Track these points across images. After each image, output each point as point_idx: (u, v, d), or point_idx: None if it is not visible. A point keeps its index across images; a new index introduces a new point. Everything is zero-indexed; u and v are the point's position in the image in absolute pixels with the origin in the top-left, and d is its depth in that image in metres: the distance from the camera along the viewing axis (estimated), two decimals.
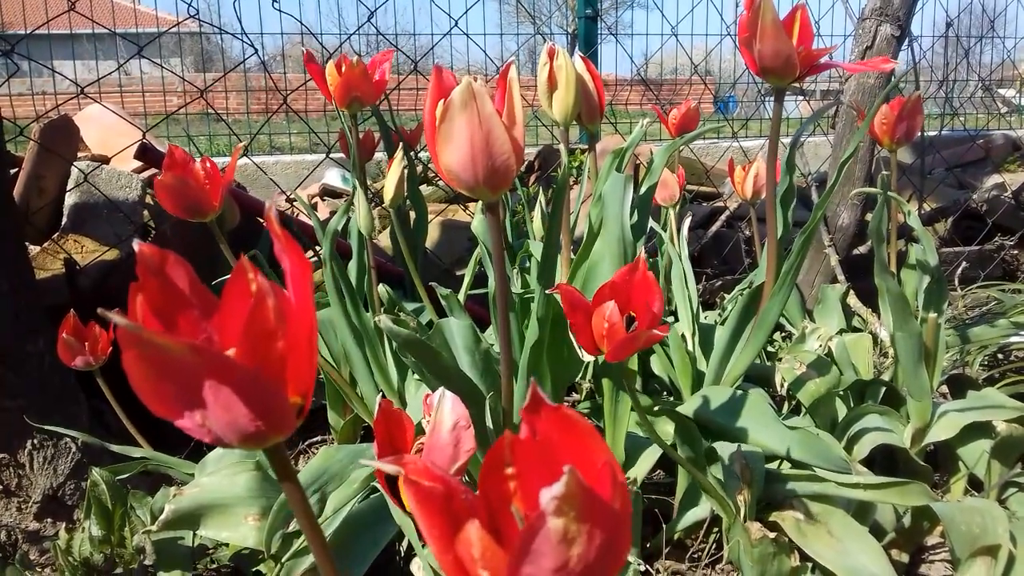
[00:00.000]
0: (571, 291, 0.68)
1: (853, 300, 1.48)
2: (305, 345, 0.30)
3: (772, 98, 0.94)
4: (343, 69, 1.15)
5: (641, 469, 0.92)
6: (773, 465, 0.92)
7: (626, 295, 0.67)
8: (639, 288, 0.67)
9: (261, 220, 1.58)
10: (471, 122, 0.56)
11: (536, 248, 1.16)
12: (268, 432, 0.30)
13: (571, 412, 0.28)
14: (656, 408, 0.98)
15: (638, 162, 2.02)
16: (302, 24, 1.87)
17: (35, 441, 1.07)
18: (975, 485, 1.03)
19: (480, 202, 1.17)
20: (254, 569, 0.89)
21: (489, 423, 0.76)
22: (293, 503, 0.34)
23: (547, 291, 0.75)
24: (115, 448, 1.01)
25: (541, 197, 1.41)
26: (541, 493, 0.24)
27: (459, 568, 0.28)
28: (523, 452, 0.29)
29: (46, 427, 1.03)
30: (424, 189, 2.16)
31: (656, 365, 1.15)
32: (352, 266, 1.29)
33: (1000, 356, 1.36)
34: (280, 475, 0.33)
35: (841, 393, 1.08)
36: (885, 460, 1.04)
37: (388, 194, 1.16)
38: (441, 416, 0.57)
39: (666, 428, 0.96)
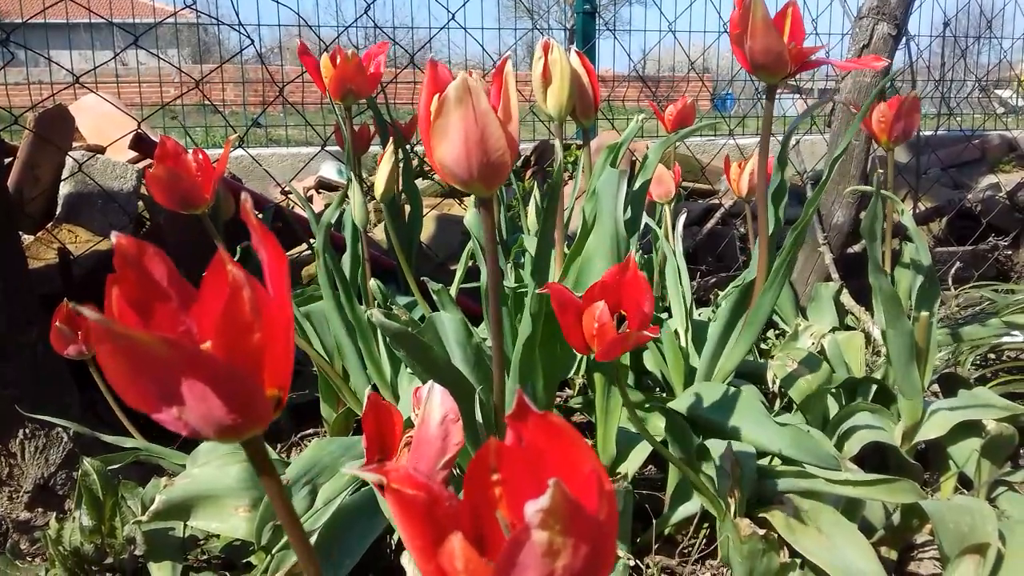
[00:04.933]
0: (562, 290, 0.68)
1: (846, 298, 1.48)
2: (282, 337, 0.30)
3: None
4: (337, 61, 1.15)
5: (632, 464, 0.92)
6: (764, 462, 0.92)
7: (616, 294, 0.67)
8: (630, 287, 0.67)
9: (257, 212, 1.58)
10: (466, 118, 0.56)
11: (530, 243, 1.16)
12: (244, 425, 0.30)
13: (557, 419, 0.28)
14: (647, 404, 0.98)
15: (634, 158, 2.02)
16: (299, 16, 1.87)
17: (27, 430, 1.07)
18: (965, 484, 1.04)
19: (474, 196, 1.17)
20: (244, 560, 0.90)
21: (479, 417, 0.77)
22: (272, 496, 0.34)
23: (538, 290, 0.75)
24: (107, 438, 1.01)
25: (536, 192, 1.41)
26: (526, 506, 0.24)
27: None
28: (509, 458, 0.29)
29: (38, 416, 1.02)
30: (420, 183, 2.15)
31: (649, 361, 1.16)
32: (346, 259, 1.29)
33: (992, 356, 1.36)
34: (258, 468, 0.33)
35: (833, 391, 1.08)
36: (875, 458, 1.04)
37: (379, 188, 1.16)
38: (430, 409, 0.56)
39: (658, 424, 0.96)
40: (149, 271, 0.30)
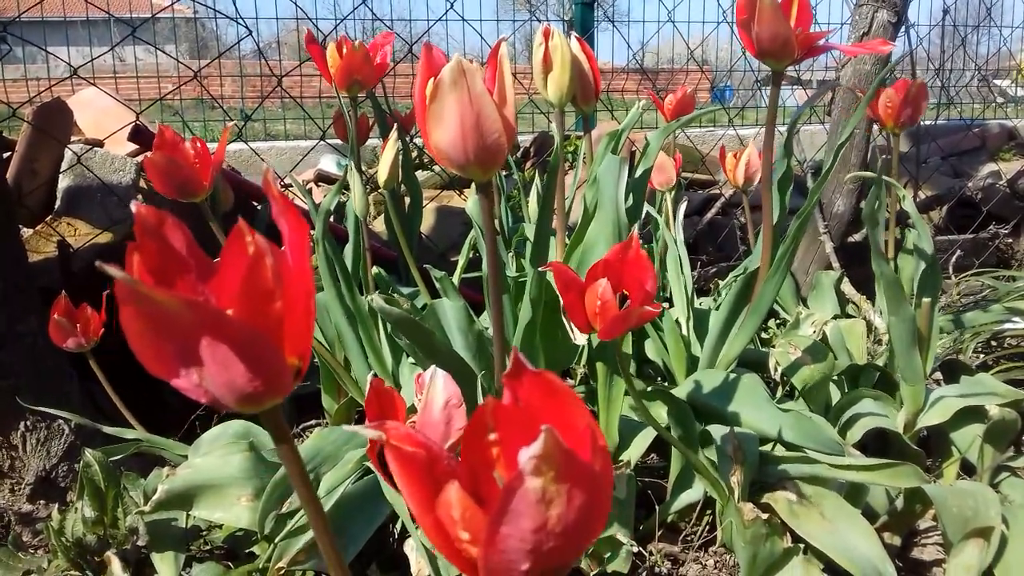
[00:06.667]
0: (564, 269, 0.68)
1: (847, 287, 1.48)
2: (302, 306, 0.30)
3: (769, 87, 0.94)
4: (344, 52, 1.14)
5: (635, 452, 0.92)
6: (766, 447, 0.92)
7: (619, 273, 0.67)
8: (632, 266, 0.67)
9: (256, 204, 1.57)
10: (461, 101, 0.56)
11: (531, 231, 1.16)
12: (266, 392, 0.30)
13: (552, 377, 0.28)
14: (650, 391, 0.98)
15: (634, 148, 2.02)
16: (298, 7, 1.86)
17: (28, 423, 1.06)
18: (967, 470, 1.04)
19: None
20: (248, 550, 0.89)
21: (481, 402, 0.76)
22: (289, 466, 0.34)
23: (540, 268, 0.75)
24: (108, 430, 1.00)
25: (537, 181, 1.41)
26: (519, 453, 0.23)
27: (440, 530, 0.28)
28: (505, 418, 0.29)
29: (39, 408, 1.02)
30: (419, 175, 2.15)
31: (651, 350, 1.15)
32: (348, 249, 1.28)
33: (993, 343, 1.36)
34: (276, 438, 0.33)
35: (835, 378, 1.08)
36: (878, 444, 1.04)
37: (382, 175, 1.16)
38: (433, 394, 0.56)
39: (660, 412, 0.96)
40: (169, 240, 0.30)
